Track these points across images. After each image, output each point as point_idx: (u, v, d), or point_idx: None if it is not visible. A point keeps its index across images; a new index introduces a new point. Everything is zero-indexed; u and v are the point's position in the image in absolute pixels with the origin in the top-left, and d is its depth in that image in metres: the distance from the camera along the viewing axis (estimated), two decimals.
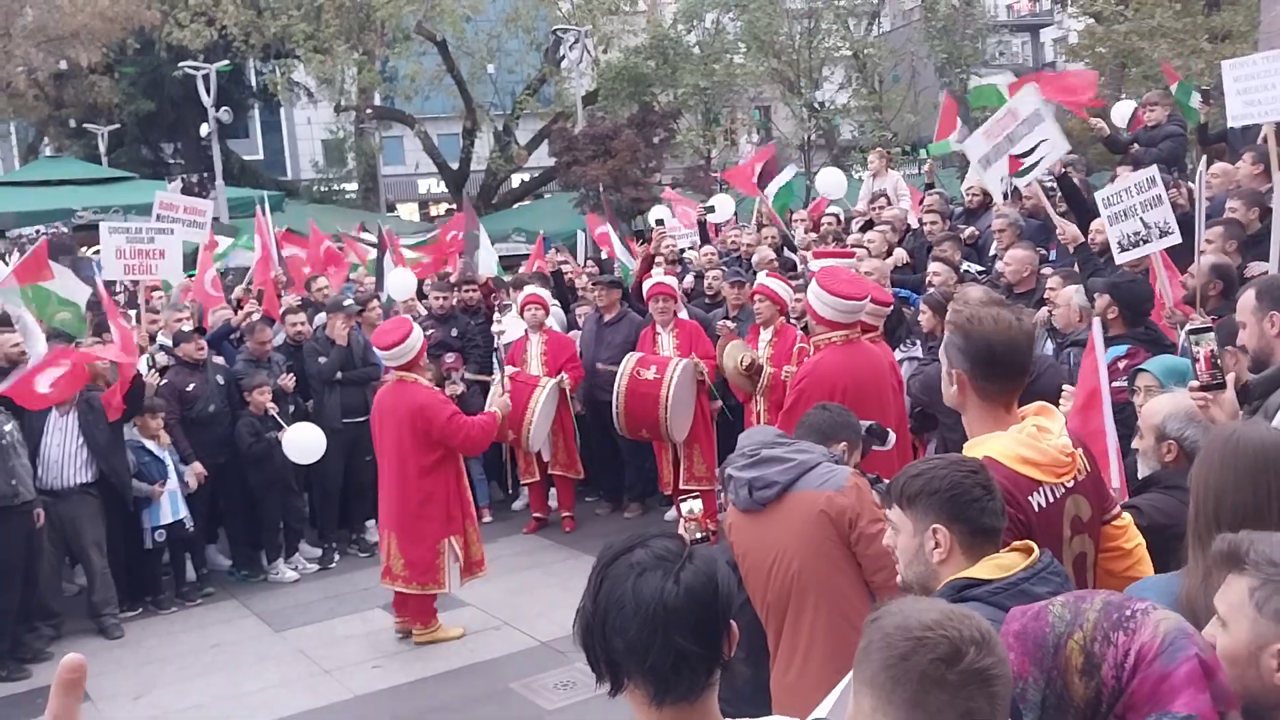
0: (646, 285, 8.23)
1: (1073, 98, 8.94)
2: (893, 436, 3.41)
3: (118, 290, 10.05)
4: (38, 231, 11.78)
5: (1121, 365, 4.78)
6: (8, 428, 6.37)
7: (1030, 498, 2.37)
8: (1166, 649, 1.64)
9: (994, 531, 2.16)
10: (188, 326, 8.35)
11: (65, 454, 6.80)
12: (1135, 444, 3.51)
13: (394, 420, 6.16)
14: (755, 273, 8.62)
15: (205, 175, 14.25)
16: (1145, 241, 5.65)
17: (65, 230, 11.85)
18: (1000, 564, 2.11)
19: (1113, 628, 1.69)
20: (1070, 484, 2.47)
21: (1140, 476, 3.40)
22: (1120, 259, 5.87)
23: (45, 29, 21.66)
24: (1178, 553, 2.79)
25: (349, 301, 8.53)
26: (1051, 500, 2.42)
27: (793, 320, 7.11)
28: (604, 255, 11.82)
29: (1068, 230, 6.04)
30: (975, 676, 1.50)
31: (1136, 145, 8.68)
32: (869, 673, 1.57)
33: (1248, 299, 3.76)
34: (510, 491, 9.42)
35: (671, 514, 8.02)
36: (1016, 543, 2.18)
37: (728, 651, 1.71)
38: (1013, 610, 1.82)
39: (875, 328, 5.63)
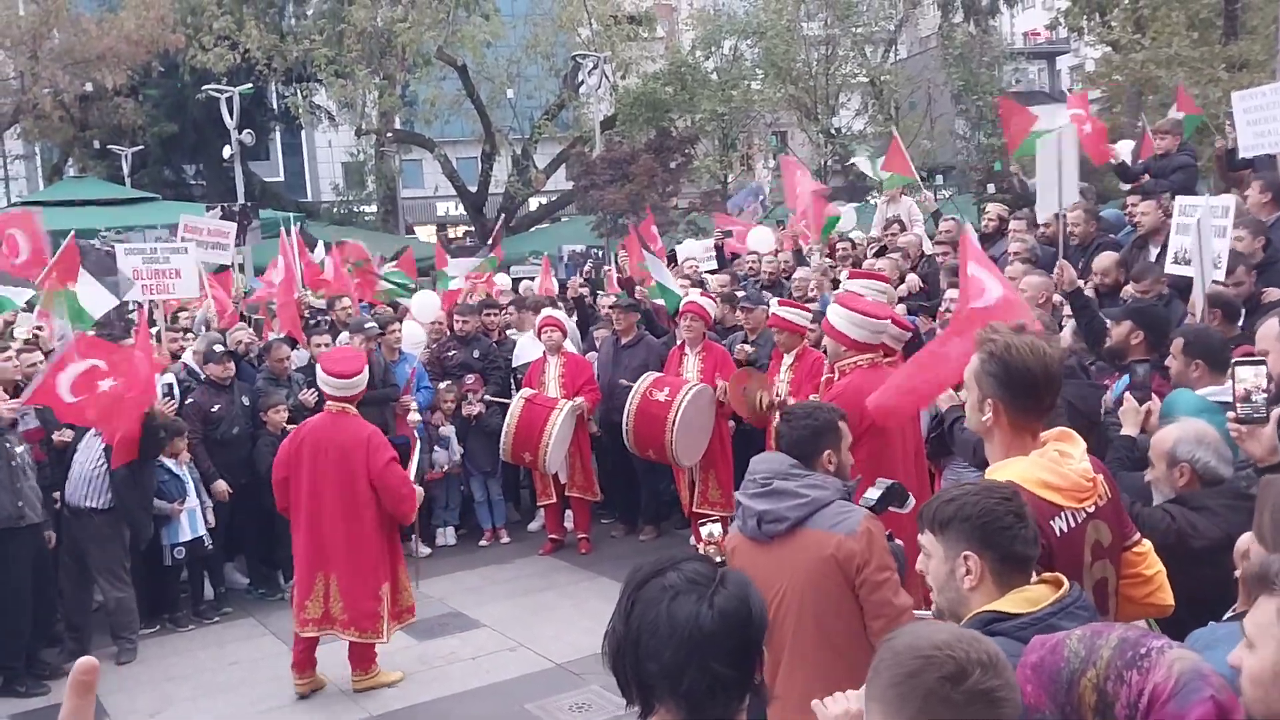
0: (681, 304, 8.27)
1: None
2: (911, 501, 3.29)
3: (131, 309, 10.12)
4: (90, 244, 11.69)
5: (1127, 394, 4.76)
6: (19, 450, 6.40)
7: (1052, 522, 2.37)
8: (1181, 690, 1.62)
9: (1026, 560, 2.15)
10: (218, 347, 8.38)
11: (83, 474, 6.79)
12: (1147, 476, 3.50)
13: (336, 453, 5.85)
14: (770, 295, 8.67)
15: (247, 205, 14.30)
16: (1188, 262, 5.65)
17: (101, 247, 11.87)
18: (1029, 597, 2.10)
19: (1126, 666, 1.67)
20: (1091, 509, 2.47)
21: (1157, 502, 3.40)
22: (1169, 269, 5.96)
23: (72, 52, 22.02)
24: (1195, 568, 2.81)
25: (370, 324, 8.59)
26: (1073, 525, 2.42)
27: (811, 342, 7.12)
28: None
29: (1065, 273, 5.89)
30: (980, 697, 1.52)
31: (1148, 176, 8.65)
32: (878, 689, 1.60)
33: (1270, 326, 3.77)
34: (531, 512, 9.45)
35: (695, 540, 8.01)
36: (1046, 574, 2.17)
37: (759, 675, 1.70)
38: (1033, 640, 1.82)
39: (896, 352, 5.66)
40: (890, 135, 13.48)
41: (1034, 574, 2.18)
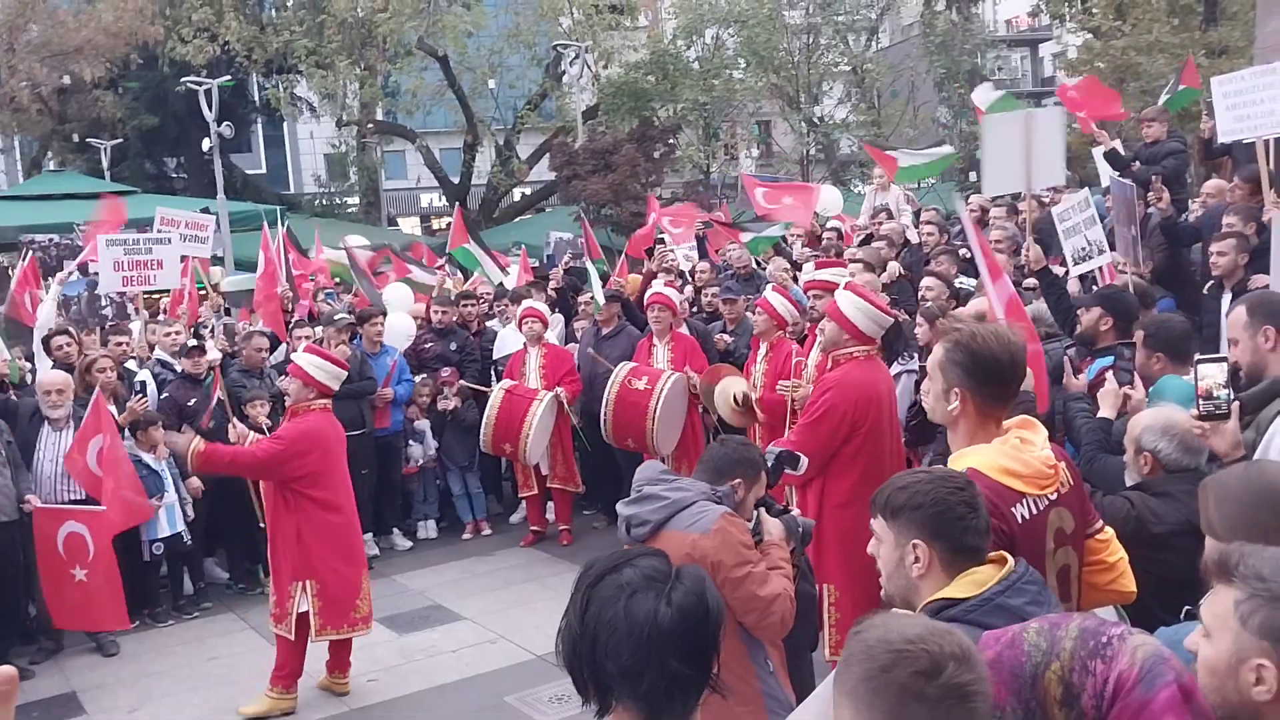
0: (647, 295, 8.27)
1: (1095, 113, 9.29)
2: (804, 461, 3.29)
3: (104, 305, 10.01)
4: (49, 240, 11.69)
5: (1109, 375, 4.79)
6: None
7: (1014, 509, 2.37)
8: (1145, 676, 1.64)
9: (977, 550, 2.14)
10: (191, 341, 8.32)
11: (58, 470, 6.71)
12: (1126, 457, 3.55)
13: (341, 448, 5.95)
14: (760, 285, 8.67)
15: (204, 209, 14.06)
16: (1089, 257, 5.93)
17: (63, 240, 11.70)
18: (976, 580, 2.09)
19: (1090, 656, 1.68)
20: (1054, 496, 2.48)
21: (1128, 485, 3.44)
22: (1075, 271, 6.21)
23: (49, 44, 21.81)
24: (1158, 553, 2.83)
25: (341, 315, 8.54)
26: (1035, 512, 2.42)
27: (789, 335, 7.12)
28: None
29: (1033, 251, 5.94)
30: (954, 691, 1.51)
31: (1138, 163, 8.66)
32: (849, 684, 1.58)
33: (1239, 315, 3.77)
34: (514, 505, 9.43)
35: None
36: (992, 554, 2.17)
37: (716, 672, 1.70)
38: (985, 637, 1.81)
39: (875, 341, 5.66)
40: (877, 133, 13.50)
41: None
